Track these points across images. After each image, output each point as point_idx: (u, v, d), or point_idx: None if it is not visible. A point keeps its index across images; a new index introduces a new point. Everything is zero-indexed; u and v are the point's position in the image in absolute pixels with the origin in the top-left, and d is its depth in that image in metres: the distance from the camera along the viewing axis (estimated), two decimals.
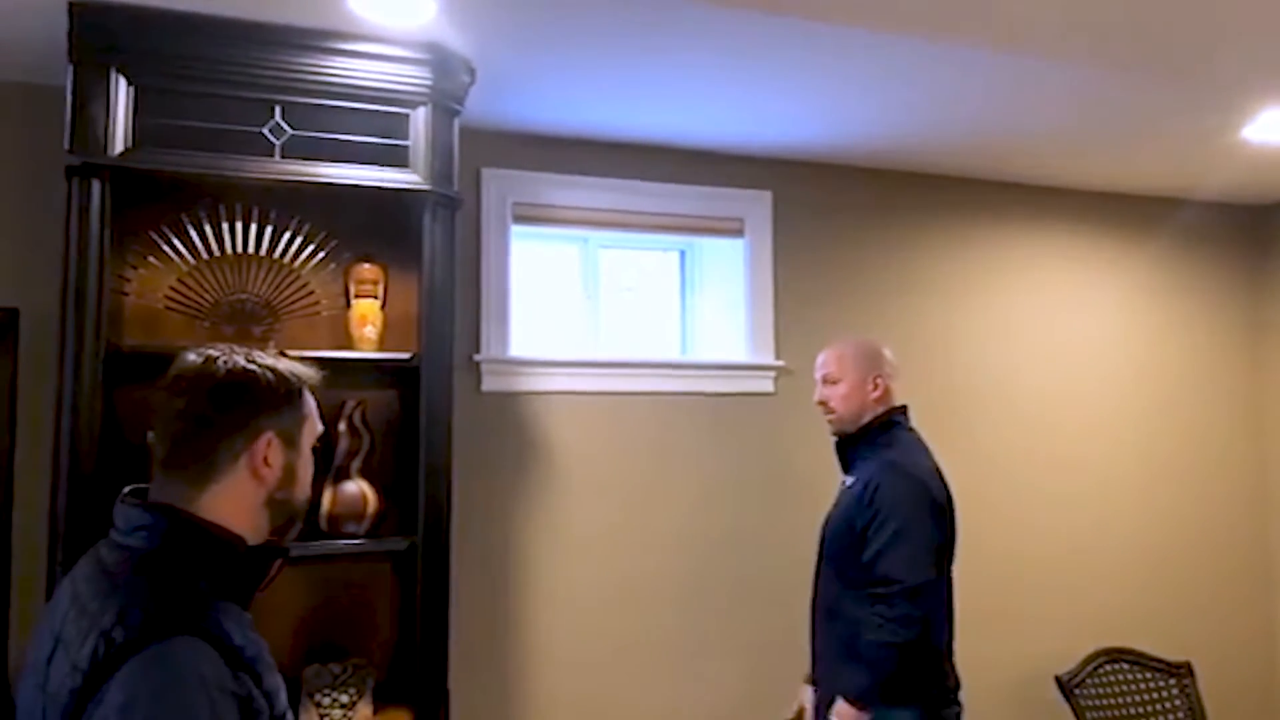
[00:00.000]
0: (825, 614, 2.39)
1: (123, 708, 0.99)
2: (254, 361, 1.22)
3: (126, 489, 1.22)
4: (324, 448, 1.78)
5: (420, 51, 2.22)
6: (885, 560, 2.18)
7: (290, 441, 1.23)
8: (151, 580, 1.10)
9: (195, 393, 1.19)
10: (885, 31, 2.16)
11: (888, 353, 2.45)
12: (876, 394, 2.37)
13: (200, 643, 1.05)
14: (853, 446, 2.39)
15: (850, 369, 2.39)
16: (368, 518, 2.29)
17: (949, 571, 2.32)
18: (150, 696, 1.00)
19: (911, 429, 2.42)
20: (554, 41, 2.23)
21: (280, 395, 1.22)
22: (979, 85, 2.53)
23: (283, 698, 1.17)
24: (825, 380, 2.43)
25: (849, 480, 2.37)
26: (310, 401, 1.28)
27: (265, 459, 1.20)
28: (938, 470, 2.34)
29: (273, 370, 1.23)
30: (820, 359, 2.46)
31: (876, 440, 2.35)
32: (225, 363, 1.20)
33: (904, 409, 2.43)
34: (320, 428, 1.31)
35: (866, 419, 2.37)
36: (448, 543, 2.25)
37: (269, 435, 1.20)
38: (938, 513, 2.27)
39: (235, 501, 1.19)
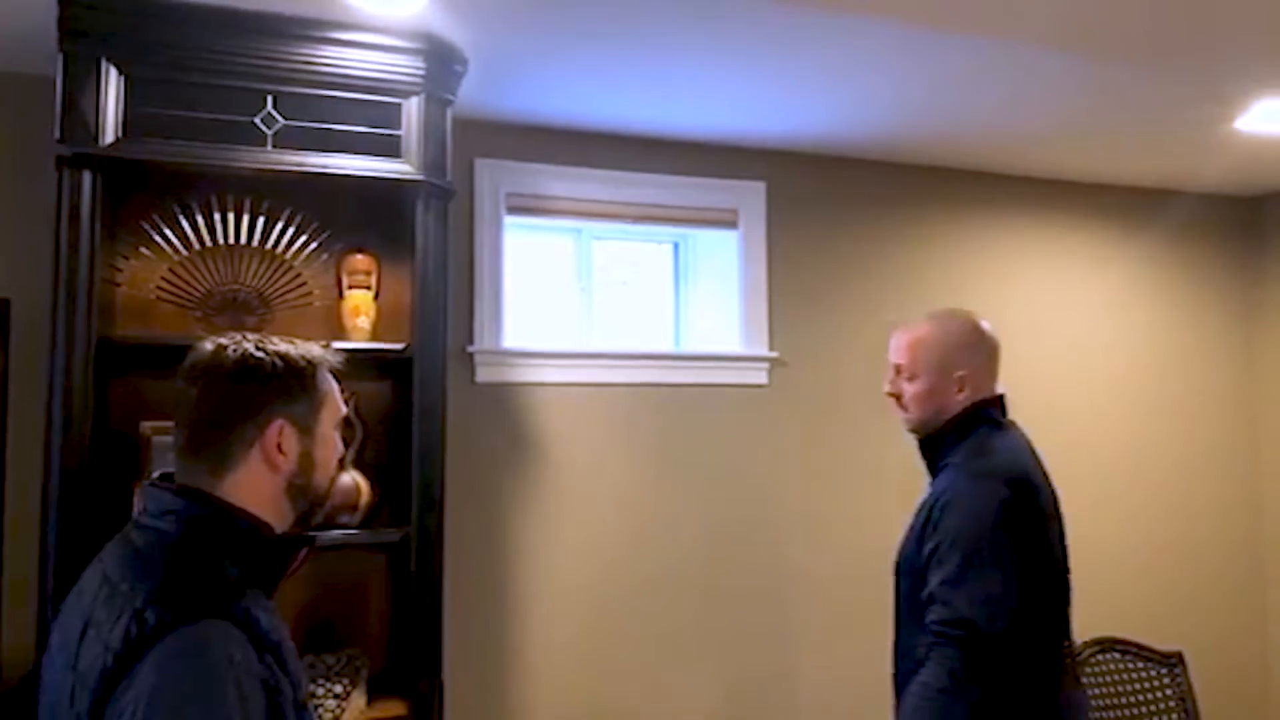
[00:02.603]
0: (901, 663, 1.92)
1: (153, 689, 1.00)
2: (264, 349, 1.21)
3: (156, 473, 1.23)
4: None
5: (413, 41, 2.21)
6: (954, 594, 1.72)
7: (305, 428, 1.23)
8: (182, 563, 1.11)
9: (207, 382, 1.19)
10: (880, 19, 2.15)
11: (985, 329, 1.98)
12: (962, 397, 1.91)
13: (230, 626, 1.06)
14: (936, 449, 1.95)
15: (928, 366, 1.94)
16: (361, 509, 2.29)
17: (1054, 614, 1.82)
18: (181, 679, 1.01)
19: (1008, 423, 1.96)
20: (547, 31, 2.22)
21: (291, 382, 1.22)
22: (973, 77, 2.53)
23: (304, 685, 1.19)
24: (897, 371, 2.00)
25: (926, 493, 1.93)
26: (327, 385, 1.27)
27: (279, 447, 1.20)
28: (1034, 476, 1.86)
29: (283, 356, 1.22)
30: (893, 342, 2.02)
31: (959, 443, 1.90)
32: (235, 351, 1.20)
33: (996, 400, 1.95)
34: (343, 410, 1.30)
35: (945, 418, 1.93)
36: (441, 534, 2.26)
37: (280, 423, 1.20)
38: (1024, 534, 1.77)
39: (254, 489, 1.19)
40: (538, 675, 2.80)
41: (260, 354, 1.21)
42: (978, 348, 1.95)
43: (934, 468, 1.95)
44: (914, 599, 1.83)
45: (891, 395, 2.01)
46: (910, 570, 1.86)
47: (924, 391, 1.94)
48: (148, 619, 1.04)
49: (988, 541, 1.74)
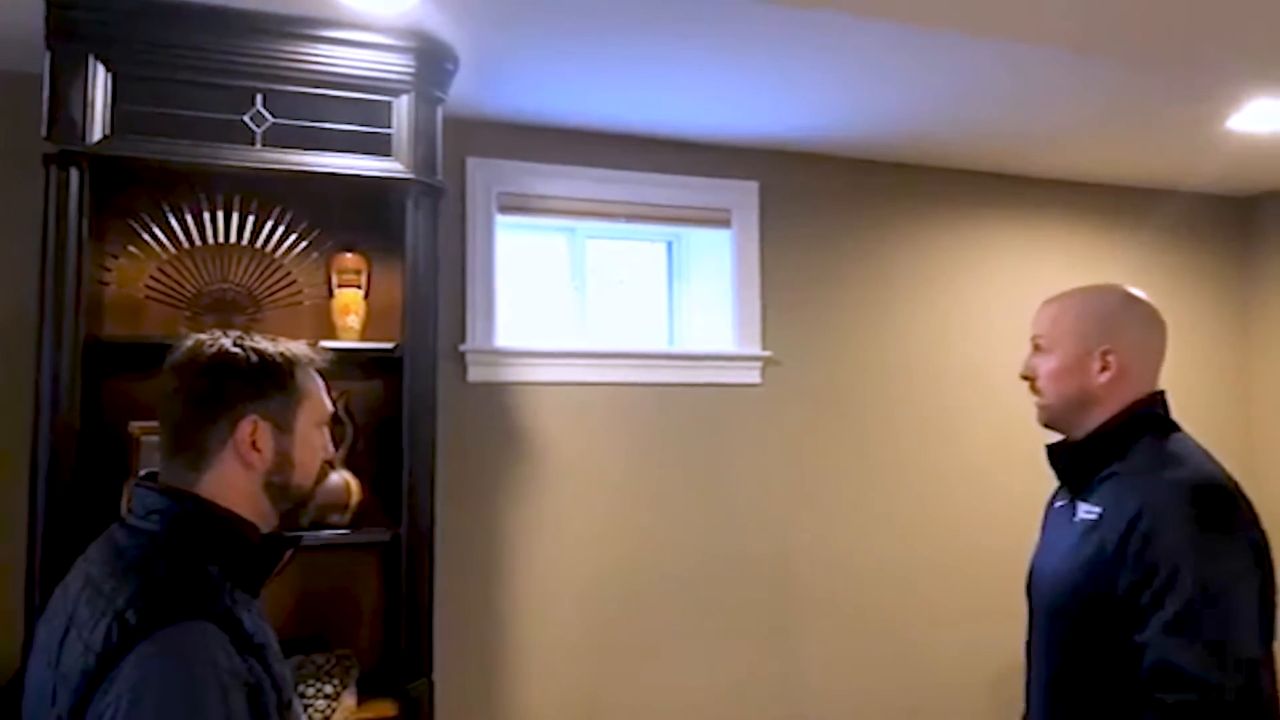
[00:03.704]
0: (1049, 701, 1.58)
1: (134, 691, 1.00)
2: (241, 345, 1.21)
3: (143, 472, 1.22)
4: None
5: (403, 39, 2.20)
6: (1173, 647, 1.35)
7: (281, 426, 1.22)
8: (165, 563, 1.11)
9: (183, 379, 1.19)
10: (875, 18, 2.15)
11: (1154, 309, 1.64)
12: (1105, 377, 1.57)
13: (212, 628, 1.06)
14: (1087, 458, 1.59)
15: (1068, 335, 1.60)
16: (351, 509, 2.28)
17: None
18: (162, 681, 1.01)
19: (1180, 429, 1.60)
20: (539, 30, 2.21)
21: (265, 379, 1.21)
22: (966, 77, 2.52)
23: (289, 687, 1.19)
24: (1035, 345, 1.67)
25: (1088, 510, 1.55)
26: (308, 383, 1.26)
27: (253, 444, 1.19)
28: (1244, 495, 1.49)
29: (259, 353, 1.21)
30: (1037, 311, 1.69)
31: (1129, 447, 1.55)
32: (210, 347, 1.20)
33: (1161, 397, 1.62)
34: (329, 409, 1.30)
35: (1099, 417, 1.58)
36: (432, 533, 2.25)
37: (253, 419, 1.19)
38: (1262, 567, 1.42)
39: (231, 487, 1.19)
40: (529, 675, 2.79)
41: (236, 350, 1.20)
42: (1138, 326, 1.61)
43: (1080, 476, 1.60)
44: (1074, 633, 1.50)
45: (1025, 378, 1.67)
46: (1072, 600, 1.51)
47: (1058, 368, 1.60)
48: (129, 620, 1.03)
49: (1227, 577, 1.37)
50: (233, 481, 1.19)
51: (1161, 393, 1.62)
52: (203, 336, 1.22)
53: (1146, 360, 1.61)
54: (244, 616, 1.12)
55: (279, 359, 1.22)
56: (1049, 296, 1.68)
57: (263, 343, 1.23)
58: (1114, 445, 1.56)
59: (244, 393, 1.19)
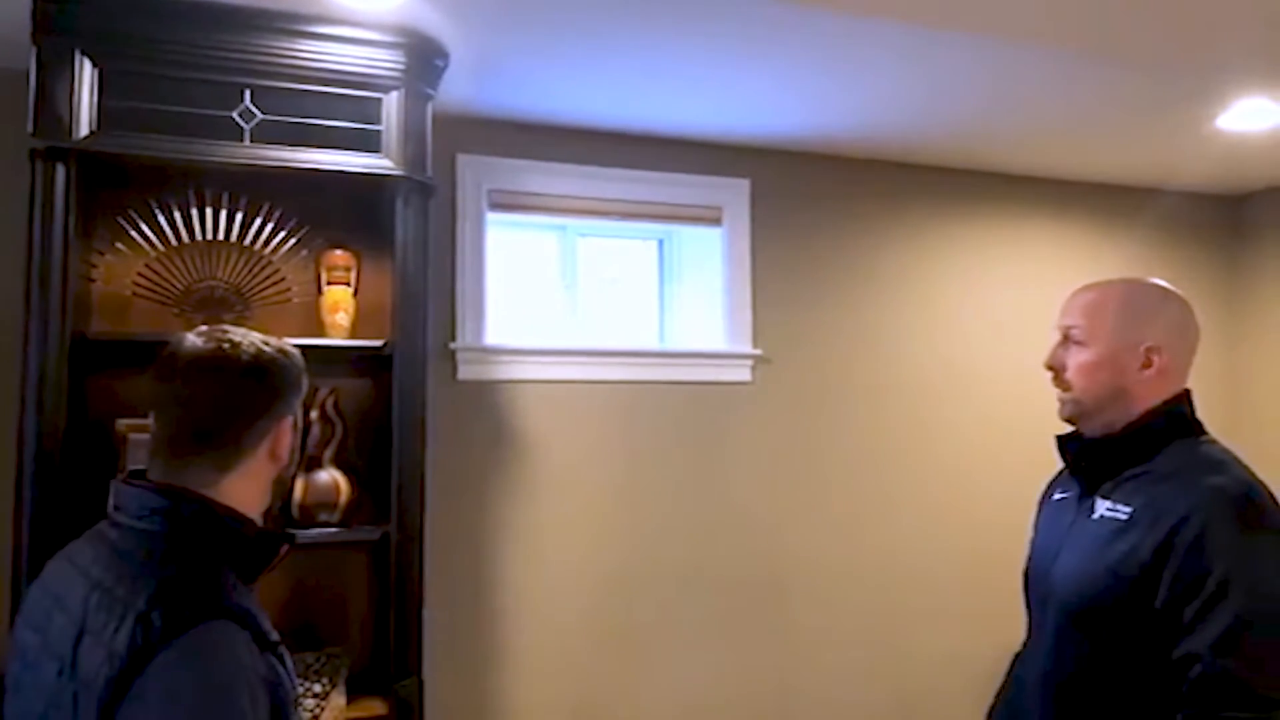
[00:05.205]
0: (1051, 704, 1.51)
1: (164, 694, 0.99)
2: (270, 345, 1.23)
3: (130, 470, 1.22)
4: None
5: (392, 35, 2.19)
6: (1230, 663, 1.28)
7: (296, 424, 1.26)
8: (178, 564, 1.10)
9: (220, 377, 1.18)
10: (866, 16, 2.15)
11: (1182, 307, 1.55)
12: (1147, 374, 1.50)
13: (234, 627, 1.06)
14: (1114, 454, 1.52)
15: (1107, 327, 1.52)
16: (340, 507, 2.27)
17: None
18: (192, 683, 1.00)
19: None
20: (530, 26, 2.20)
21: (297, 379, 1.25)
22: (958, 75, 2.52)
23: (295, 681, 1.19)
24: (1065, 336, 1.58)
25: (1111, 508, 1.47)
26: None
27: (284, 441, 1.23)
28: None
29: (286, 354, 1.24)
30: (1069, 301, 1.59)
31: (1164, 451, 1.48)
32: (249, 348, 1.20)
33: (1189, 396, 1.54)
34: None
35: (1130, 414, 1.50)
36: (421, 532, 2.24)
37: (291, 419, 1.23)
38: None
39: (253, 484, 1.21)
40: (519, 674, 2.78)
41: (270, 351, 1.22)
42: (1178, 323, 1.53)
43: (1099, 472, 1.53)
44: (1093, 636, 1.43)
45: (1050, 368, 1.60)
46: (1095, 603, 1.43)
47: (1093, 362, 1.52)
48: (154, 622, 1.02)
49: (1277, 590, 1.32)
50: (256, 479, 1.21)
51: (1189, 392, 1.54)
52: (233, 336, 1.20)
53: (1183, 359, 1.54)
54: (257, 613, 1.12)
55: (299, 359, 1.26)
56: (1080, 286, 1.58)
57: (274, 341, 1.25)
58: (1145, 444, 1.49)
59: (286, 393, 1.23)
